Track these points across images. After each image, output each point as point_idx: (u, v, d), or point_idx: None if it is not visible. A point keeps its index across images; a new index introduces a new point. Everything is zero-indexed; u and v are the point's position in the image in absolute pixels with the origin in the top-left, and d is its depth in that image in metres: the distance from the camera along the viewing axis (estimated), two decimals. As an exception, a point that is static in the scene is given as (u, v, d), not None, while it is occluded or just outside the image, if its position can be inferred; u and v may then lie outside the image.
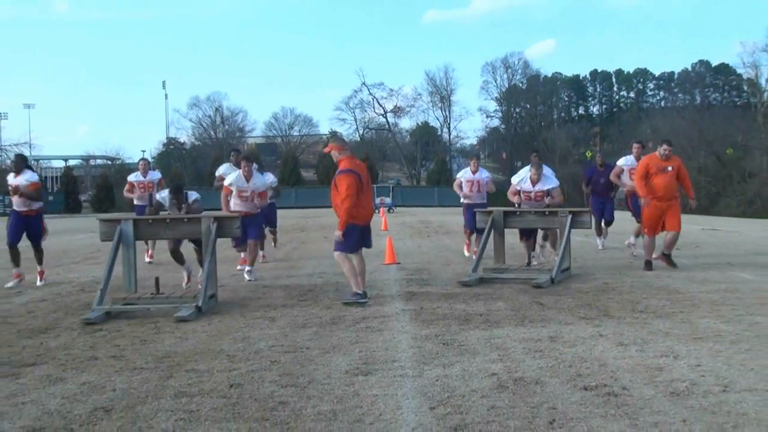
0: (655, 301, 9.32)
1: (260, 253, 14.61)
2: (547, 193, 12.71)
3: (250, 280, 11.98)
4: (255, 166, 12.92)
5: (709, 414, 4.77)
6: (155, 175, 16.44)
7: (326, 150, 9.09)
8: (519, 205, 12.95)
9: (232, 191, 12.37)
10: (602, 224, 16.34)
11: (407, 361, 6.37)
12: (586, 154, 73.48)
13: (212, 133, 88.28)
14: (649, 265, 12.54)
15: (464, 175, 15.15)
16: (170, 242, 11.28)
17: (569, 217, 11.93)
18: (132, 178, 16.31)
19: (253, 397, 5.34)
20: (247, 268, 12.63)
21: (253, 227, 12.35)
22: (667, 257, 12.65)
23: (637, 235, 14.72)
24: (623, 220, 18.30)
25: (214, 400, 5.28)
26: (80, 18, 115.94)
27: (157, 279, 9.90)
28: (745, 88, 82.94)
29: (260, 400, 5.27)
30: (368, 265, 13.78)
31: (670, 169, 12.66)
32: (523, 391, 5.40)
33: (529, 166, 12.94)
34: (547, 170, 13.02)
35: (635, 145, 15.30)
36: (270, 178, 15.26)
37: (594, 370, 5.91)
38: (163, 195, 11.41)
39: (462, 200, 15.14)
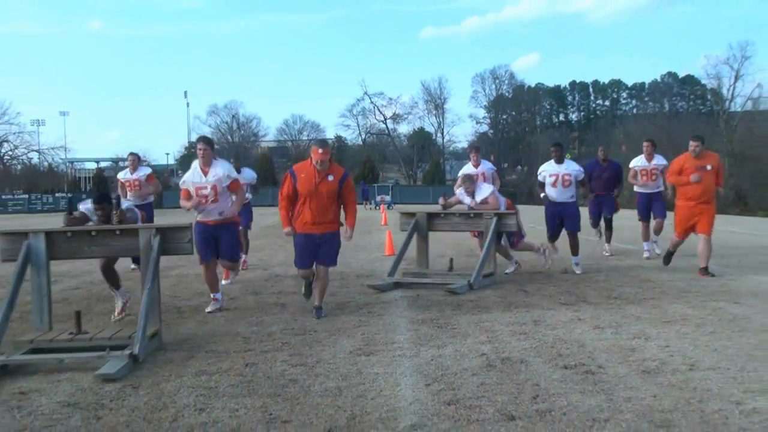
0: (628, 288, 9.31)
1: (242, 257, 11.30)
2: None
3: (211, 311, 8.16)
4: (227, 165, 8.60)
5: (677, 390, 4.77)
6: (144, 170, 12.72)
7: (325, 155, 7.45)
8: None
9: (190, 195, 8.33)
10: (600, 226, 13.99)
11: (405, 342, 6.36)
12: (566, 156, 73.37)
13: (229, 137, 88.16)
14: (668, 258, 11.31)
15: (466, 170, 11.98)
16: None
17: (494, 220, 10.18)
18: (121, 175, 12.84)
19: (266, 375, 5.33)
20: (224, 282, 9.94)
21: (226, 244, 8.35)
22: (704, 270, 10.28)
23: (646, 240, 13.31)
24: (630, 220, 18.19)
25: (231, 377, 5.27)
26: (112, 34, 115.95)
27: (77, 314, 6.54)
28: (709, 97, 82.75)
29: (272, 377, 5.26)
30: (370, 255, 13.65)
31: (709, 167, 10.36)
32: (509, 369, 5.39)
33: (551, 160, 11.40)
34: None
35: (646, 144, 13.42)
36: (249, 173, 12.30)
37: (573, 351, 5.90)
38: (87, 206, 7.80)
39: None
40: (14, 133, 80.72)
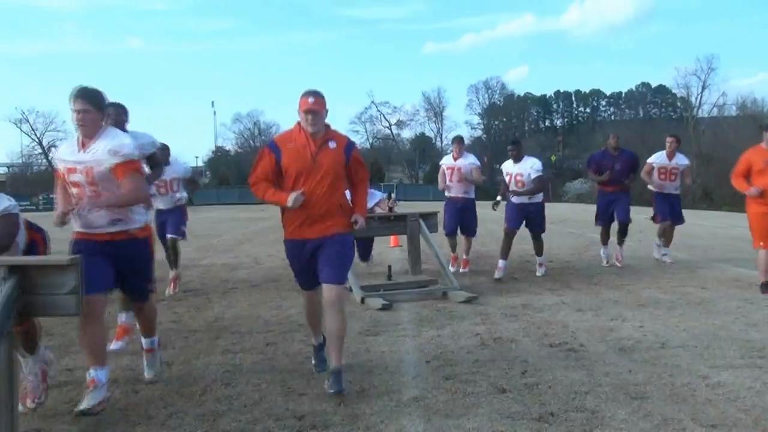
0: (607, 275, 9.28)
1: (173, 272, 8.36)
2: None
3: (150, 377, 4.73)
4: (129, 137, 4.40)
5: (650, 365, 4.76)
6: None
7: (319, 106, 4.41)
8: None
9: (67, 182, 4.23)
10: (607, 230, 10.36)
11: (408, 324, 6.35)
12: (551, 157, 73.08)
13: (251, 142, 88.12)
14: (765, 287, 7.58)
15: (445, 161, 10.12)
16: None
17: (419, 222, 8.68)
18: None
19: (285, 353, 5.34)
20: (113, 346, 5.50)
21: (131, 276, 4.31)
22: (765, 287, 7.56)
23: (661, 237, 10.51)
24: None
25: (253, 356, 5.28)
26: (150, 51, 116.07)
27: None
28: (679, 104, 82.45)
29: (290, 355, 5.27)
30: (377, 248, 13.67)
31: None
32: (501, 347, 5.39)
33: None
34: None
35: (669, 139, 10.49)
36: (180, 165, 8.50)
37: (558, 331, 5.89)
38: None
39: (445, 194, 10.16)
40: (61, 139, 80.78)
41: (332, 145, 4.48)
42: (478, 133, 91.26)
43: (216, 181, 78.51)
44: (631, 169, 10.14)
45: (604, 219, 10.27)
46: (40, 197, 56.87)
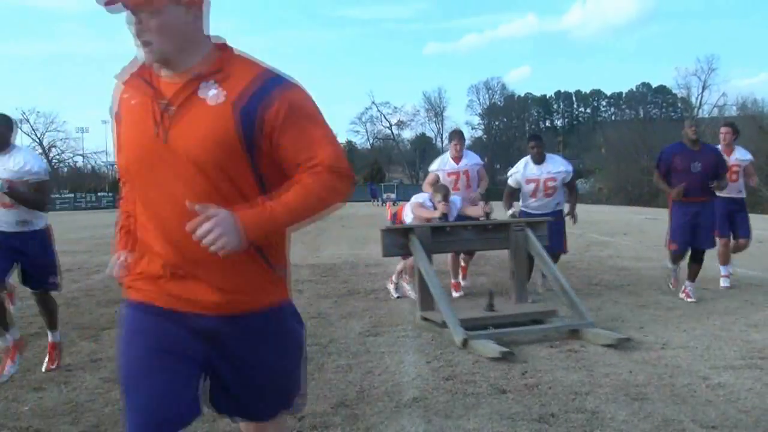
0: (607, 276, 9.29)
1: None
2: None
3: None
4: None
5: (651, 366, 4.76)
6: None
7: None
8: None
9: None
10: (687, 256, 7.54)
11: (408, 324, 6.35)
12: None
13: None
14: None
15: (443, 166, 7.96)
16: None
17: (526, 232, 6.70)
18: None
19: (285, 353, 5.33)
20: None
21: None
22: None
23: (725, 263, 8.26)
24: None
25: (254, 356, 5.26)
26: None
27: None
28: (679, 105, 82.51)
29: (291, 356, 5.25)
30: (377, 248, 13.65)
31: None
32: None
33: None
34: None
35: (724, 130, 8.32)
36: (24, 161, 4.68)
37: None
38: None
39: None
40: (61, 140, 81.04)
41: (212, 92, 1.96)
42: (479, 133, 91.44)
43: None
44: (716, 170, 7.38)
45: (682, 242, 7.40)
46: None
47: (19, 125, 72.08)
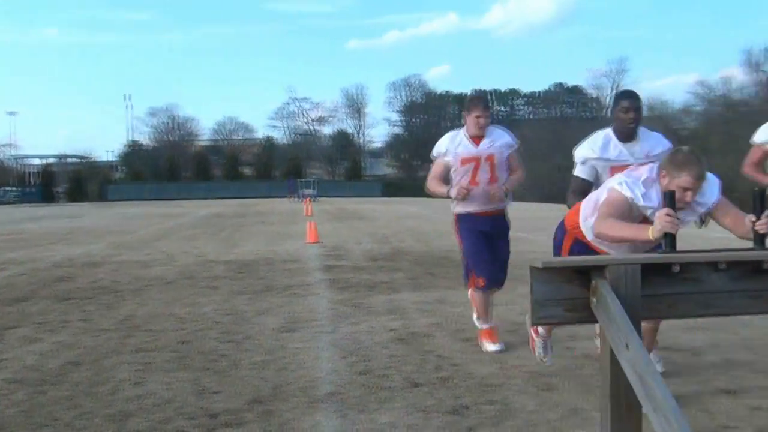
0: (518, 270, 9.48)
1: None
2: None
3: None
4: None
5: (559, 358, 4.86)
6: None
7: None
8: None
9: None
10: None
11: (325, 320, 6.36)
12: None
13: (168, 137, 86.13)
14: None
15: (454, 148, 5.24)
16: None
17: None
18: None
19: (198, 351, 5.26)
20: None
21: None
22: None
23: None
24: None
25: (166, 354, 5.19)
26: (64, 41, 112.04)
27: None
28: (592, 105, 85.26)
29: (204, 353, 5.19)
30: (295, 244, 13.52)
31: None
32: (416, 342, 5.47)
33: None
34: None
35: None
36: None
37: (471, 326, 5.97)
38: None
39: (454, 207, 5.41)
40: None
41: None
42: (399, 130, 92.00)
43: (130, 176, 76.55)
44: None
45: None
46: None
47: None
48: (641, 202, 3.45)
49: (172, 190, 65.73)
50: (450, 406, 3.93)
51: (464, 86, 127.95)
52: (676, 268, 2.84)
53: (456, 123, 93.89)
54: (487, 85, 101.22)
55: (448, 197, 5.33)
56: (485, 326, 5.34)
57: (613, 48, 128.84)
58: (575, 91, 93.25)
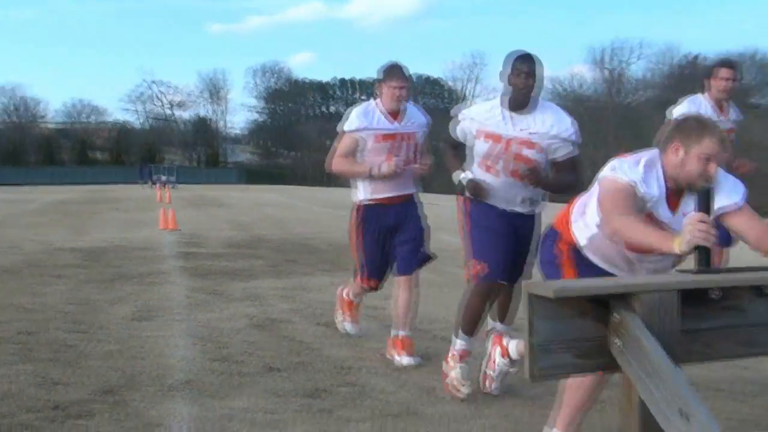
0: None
1: None
2: None
3: None
4: None
5: (418, 339, 5.00)
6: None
7: None
8: None
9: None
10: None
11: (180, 308, 6.23)
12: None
13: (13, 118, 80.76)
14: None
15: (369, 123, 4.50)
16: None
17: None
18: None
19: (44, 342, 5.01)
20: None
21: None
22: None
23: None
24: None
25: (8, 346, 4.90)
26: None
27: None
28: (449, 96, 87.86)
29: (51, 344, 4.95)
30: (150, 231, 13.12)
31: None
32: (274, 328, 5.48)
33: None
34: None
35: (724, 72, 4.82)
36: None
37: (329, 310, 6.04)
38: None
39: (358, 195, 4.65)
40: None
41: None
42: (261, 116, 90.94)
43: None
44: None
45: None
46: None
47: None
48: (643, 188, 2.72)
49: (14, 175, 61.54)
50: (307, 389, 3.98)
51: (327, 74, 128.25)
52: (716, 294, 2.15)
53: (318, 111, 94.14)
54: (352, 74, 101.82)
55: (370, 176, 4.51)
56: (401, 333, 4.65)
57: (473, 42, 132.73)
58: (436, 83, 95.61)
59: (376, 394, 3.91)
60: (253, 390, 3.96)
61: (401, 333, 4.63)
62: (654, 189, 2.74)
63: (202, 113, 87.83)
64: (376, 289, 4.92)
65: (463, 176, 3.89)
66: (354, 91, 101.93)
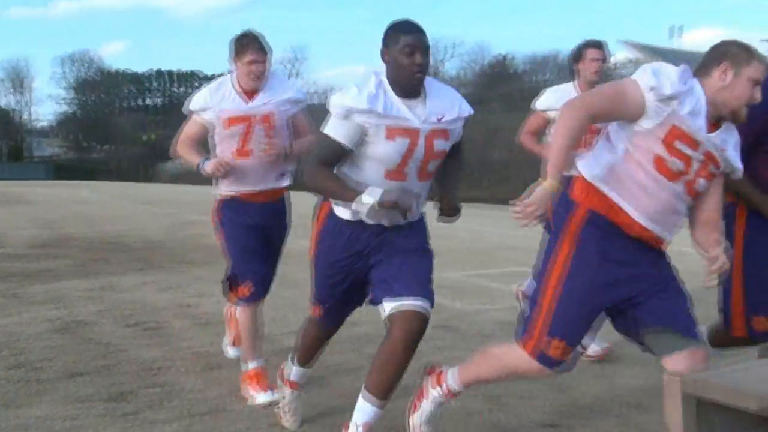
0: (193, 254, 9.43)
1: None
2: None
3: None
4: None
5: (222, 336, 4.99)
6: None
7: None
8: None
9: None
10: None
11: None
12: (151, 137, 72.02)
13: None
14: None
15: (217, 103, 3.74)
16: None
17: None
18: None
19: None
20: None
21: None
22: None
23: None
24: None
25: None
26: None
27: None
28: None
29: None
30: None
31: None
32: (79, 331, 5.24)
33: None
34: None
35: (592, 53, 4.35)
36: None
37: (138, 310, 5.89)
38: None
39: (216, 188, 3.91)
40: None
41: None
42: (71, 108, 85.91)
43: None
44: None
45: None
46: None
47: None
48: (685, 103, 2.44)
49: None
50: (111, 393, 3.86)
51: (142, 65, 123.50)
52: None
53: (134, 104, 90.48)
54: (167, 65, 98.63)
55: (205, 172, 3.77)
56: (251, 365, 3.90)
57: (295, 35, 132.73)
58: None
59: (185, 394, 3.85)
60: (53, 397, 3.78)
61: (252, 365, 3.90)
62: (701, 107, 2.47)
63: (3, 103, 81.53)
64: (255, 297, 3.91)
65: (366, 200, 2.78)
66: (172, 83, 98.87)
